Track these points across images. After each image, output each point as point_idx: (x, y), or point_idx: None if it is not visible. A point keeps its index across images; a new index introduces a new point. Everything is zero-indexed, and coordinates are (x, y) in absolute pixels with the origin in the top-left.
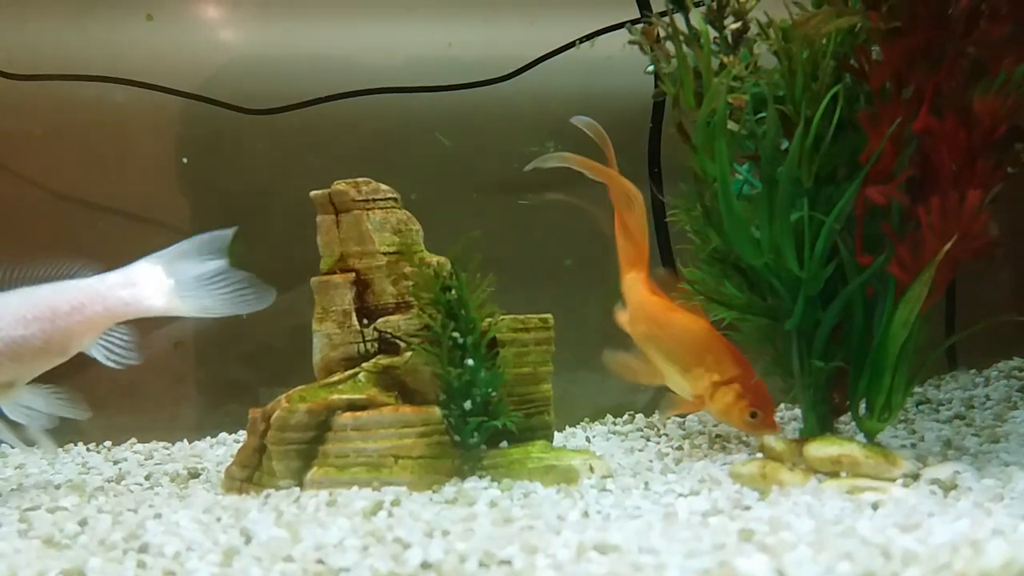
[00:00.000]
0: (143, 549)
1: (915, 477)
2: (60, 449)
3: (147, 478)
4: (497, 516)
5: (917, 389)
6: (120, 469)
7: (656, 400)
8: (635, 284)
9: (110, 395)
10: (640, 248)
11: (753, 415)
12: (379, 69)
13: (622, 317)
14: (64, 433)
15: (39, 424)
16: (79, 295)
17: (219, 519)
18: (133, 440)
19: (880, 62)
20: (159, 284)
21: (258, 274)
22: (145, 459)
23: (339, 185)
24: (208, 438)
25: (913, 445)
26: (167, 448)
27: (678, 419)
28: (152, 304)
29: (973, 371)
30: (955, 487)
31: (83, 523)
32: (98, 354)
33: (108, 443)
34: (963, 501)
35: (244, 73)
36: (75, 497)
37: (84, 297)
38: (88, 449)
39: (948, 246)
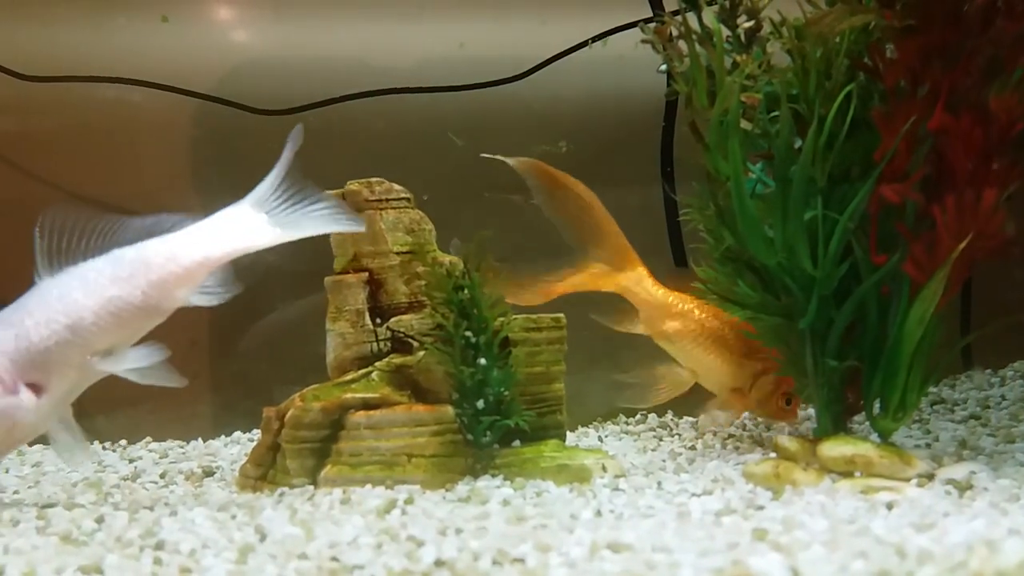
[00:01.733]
0: (159, 546)
1: (930, 477)
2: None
3: (162, 476)
4: (510, 514)
5: (932, 389)
6: (135, 467)
7: (670, 401)
8: (642, 281)
9: (125, 394)
10: (625, 245)
11: (788, 401)
12: (391, 69)
13: (626, 322)
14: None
15: (156, 379)
16: (171, 246)
17: (234, 517)
18: (148, 439)
19: (894, 60)
20: (250, 220)
21: (271, 274)
22: (160, 457)
23: (352, 185)
24: (222, 437)
25: (928, 445)
26: (182, 447)
27: (690, 419)
28: (248, 242)
29: (988, 371)
30: (971, 487)
31: (100, 520)
32: (199, 299)
33: (123, 442)
34: (979, 501)
35: (258, 74)
36: (92, 495)
37: (176, 247)
38: (104, 447)
39: (963, 245)
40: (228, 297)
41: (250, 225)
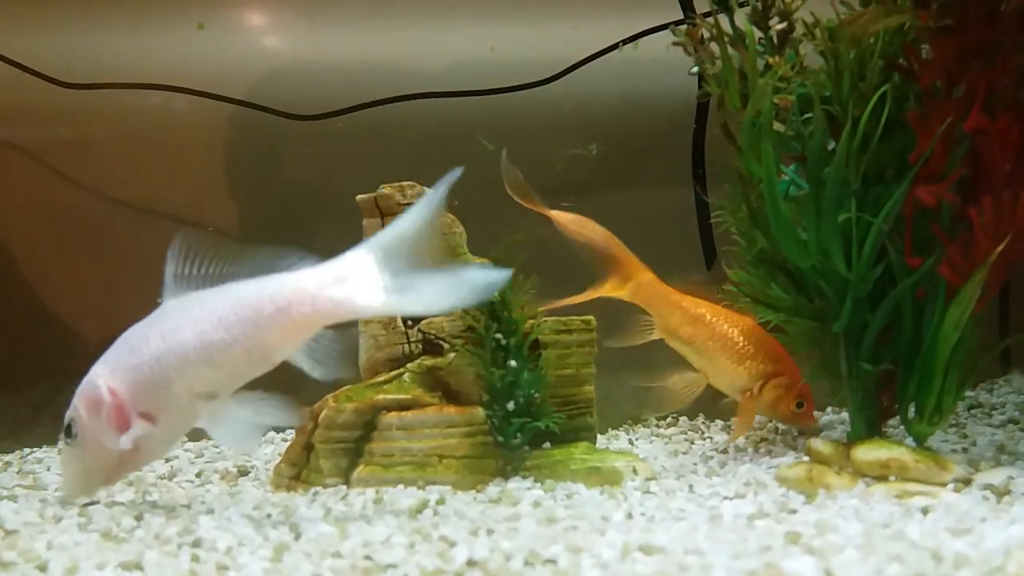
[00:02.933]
0: (197, 544)
1: (967, 482)
2: None
3: (198, 475)
4: (541, 516)
5: (969, 393)
6: (172, 466)
7: (700, 403)
8: (656, 288)
9: None
10: (629, 253)
11: (800, 405)
12: (423, 74)
13: (643, 333)
14: None
15: (248, 442)
16: (285, 293)
17: (269, 515)
18: (184, 438)
19: (930, 61)
20: (373, 279)
21: None
22: (196, 457)
23: (385, 189)
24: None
25: (964, 450)
26: (217, 446)
27: (722, 422)
28: (366, 304)
29: None
30: (1008, 492)
31: (139, 518)
32: (304, 363)
33: None
34: (1017, 506)
35: (292, 80)
36: (130, 493)
37: (291, 295)
38: None
39: (1002, 247)
40: (335, 375)
41: (372, 285)
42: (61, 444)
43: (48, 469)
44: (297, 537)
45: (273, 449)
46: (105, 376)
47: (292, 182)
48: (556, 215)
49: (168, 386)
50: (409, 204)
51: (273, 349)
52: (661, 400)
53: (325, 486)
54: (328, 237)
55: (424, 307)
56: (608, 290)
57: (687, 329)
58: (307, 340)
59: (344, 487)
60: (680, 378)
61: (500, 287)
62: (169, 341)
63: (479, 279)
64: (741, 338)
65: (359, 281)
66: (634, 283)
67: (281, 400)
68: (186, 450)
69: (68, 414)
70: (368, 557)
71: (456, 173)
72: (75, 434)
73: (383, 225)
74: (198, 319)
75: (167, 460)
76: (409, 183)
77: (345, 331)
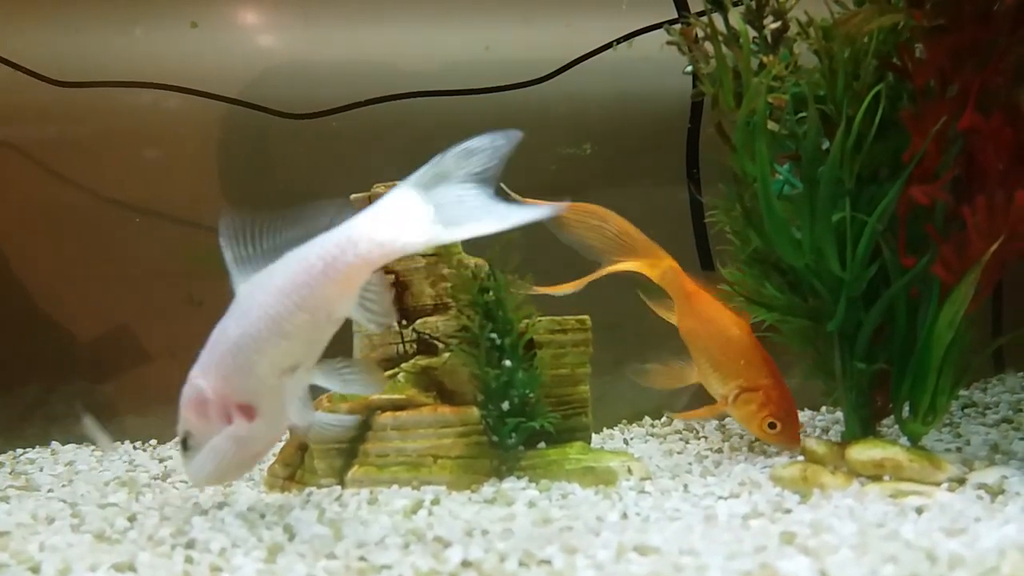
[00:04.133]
0: (190, 545)
1: (961, 482)
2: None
3: None
4: (536, 516)
5: (963, 392)
6: (166, 467)
7: (695, 401)
8: (676, 276)
9: (155, 393)
10: (648, 241)
11: (772, 425)
12: (417, 73)
13: (665, 311)
14: (111, 432)
15: (356, 387)
16: (330, 247)
17: (263, 516)
18: (178, 438)
19: (924, 60)
20: (412, 214)
21: None
22: None
23: (379, 188)
24: None
25: (959, 449)
26: None
27: (718, 421)
28: (409, 240)
29: (1021, 374)
30: (1002, 492)
31: (132, 519)
32: (359, 316)
33: (154, 441)
34: (1011, 506)
35: (285, 78)
36: (123, 494)
37: (335, 248)
38: (135, 447)
39: (995, 246)
40: (385, 322)
41: (415, 219)
42: (179, 459)
43: (41, 470)
44: (291, 538)
45: None
46: (200, 377)
47: (285, 181)
48: (571, 205)
49: (252, 369)
50: None
51: (333, 305)
52: (649, 374)
53: (319, 486)
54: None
55: (467, 232)
56: (639, 267)
57: (686, 322)
58: (359, 291)
59: (339, 488)
60: (675, 363)
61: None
62: (243, 325)
63: (521, 208)
64: (728, 344)
65: (399, 218)
66: (664, 266)
67: (363, 367)
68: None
69: (180, 428)
70: (363, 558)
71: (514, 136)
72: (192, 446)
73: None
74: (263, 294)
75: (161, 460)
76: None
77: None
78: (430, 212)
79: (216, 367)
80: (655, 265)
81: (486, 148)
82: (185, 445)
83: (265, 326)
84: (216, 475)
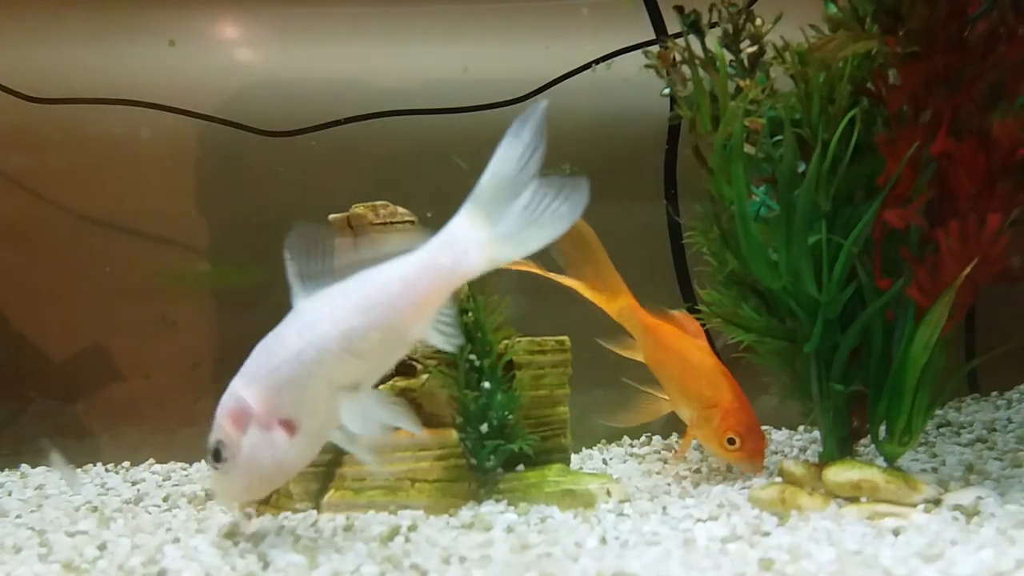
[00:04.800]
0: (162, 574)
1: (937, 502)
2: (79, 470)
3: (165, 499)
4: (514, 542)
5: (937, 412)
6: (138, 490)
7: (673, 424)
8: (632, 313)
9: (128, 414)
10: (615, 274)
11: (731, 441)
12: (396, 92)
13: (629, 348)
14: (83, 453)
15: (373, 433)
16: (408, 270)
17: (237, 543)
18: (151, 460)
19: (898, 86)
20: (476, 237)
21: (274, 296)
22: (163, 480)
23: (357, 208)
24: None
25: (934, 469)
26: (185, 469)
27: (695, 441)
28: (475, 263)
29: (995, 393)
30: (978, 513)
31: (102, 547)
32: (435, 339)
33: (126, 463)
34: (986, 528)
35: (262, 96)
36: (94, 520)
37: (412, 272)
38: (107, 469)
39: (968, 270)
40: (457, 344)
41: (478, 242)
42: (209, 470)
43: (10, 494)
44: (265, 567)
45: None
46: (244, 387)
47: (263, 199)
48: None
49: (309, 384)
50: (382, 223)
51: (407, 329)
52: (623, 415)
53: (295, 511)
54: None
55: (531, 245)
56: (596, 300)
57: (650, 354)
58: (434, 315)
59: (314, 512)
60: (645, 399)
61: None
62: (307, 336)
63: (566, 201)
64: (689, 369)
65: (463, 242)
66: (621, 303)
67: (406, 407)
68: (153, 472)
69: (213, 437)
70: None
71: (540, 107)
72: (226, 457)
73: (355, 245)
74: (335, 310)
75: (133, 483)
76: (382, 202)
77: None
78: (501, 230)
79: (266, 378)
80: (612, 301)
81: (524, 143)
82: (217, 456)
83: (334, 342)
84: (248, 490)
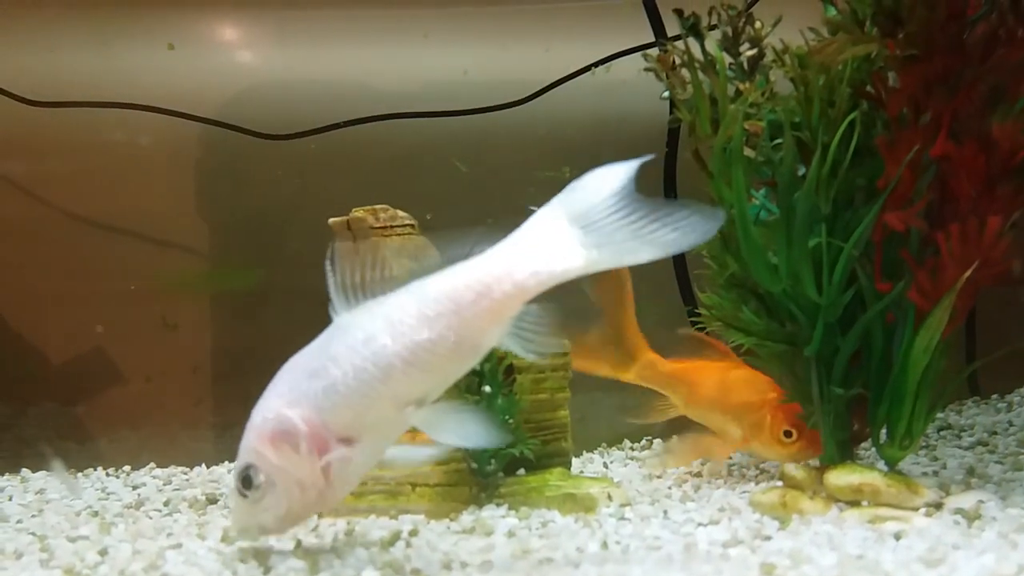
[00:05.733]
0: None
1: (938, 506)
2: (80, 474)
3: (166, 504)
4: (515, 547)
5: (938, 415)
6: (139, 495)
7: (673, 427)
8: (655, 367)
9: (129, 419)
10: (636, 332)
11: (788, 434)
12: (396, 95)
13: (662, 408)
14: (83, 457)
15: (457, 444)
16: (481, 276)
17: (238, 548)
18: (152, 465)
19: (897, 89)
20: (567, 238)
21: (275, 300)
22: (164, 484)
23: (357, 212)
24: (226, 463)
25: (935, 473)
26: (185, 473)
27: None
28: (567, 267)
29: (995, 396)
30: (979, 517)
31: (103, 552)
32: (514, 346)
33: (127, 467)
34: (987, 532)
35: (262, 99)
36: (95, 525)
37: (488, 277)
38: (107, 474)
39: (969, 272)
40: (548, 350)
41: (566, 243)
42: (235, 497)
43: (10, 499)
44: (266, 572)
45: None
46: (288, 407)
47: (262, 202)
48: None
49: (372, 401)
50: (382, 227)
51: (481, 337)
52: (671, 455)
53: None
54: (299, 260)
55: (628, 257)
56: (612, 373)
57: (684, 399)
58: (512, 320)
59: (315, 517)
60: (691, 436)
61: (712, 232)
62: (363, 352)
63: (689, 222)
64: (726, 390)
65: (553, 244)
66: (640, 365)
67: (486, 413)
68: (154, 477)
69: (244, 462)
70: None
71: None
72: (259, 484)
73: (356, 249)
74: (394, 323)
75: (134, 488)
76: (382, 206)
77: (546, 303)
78: (579, 235)
79: (319, 398)
80: (631, 363)
81: (621, 167)
82: (247, 483)
83: (398, 354)
84: (285, 518)
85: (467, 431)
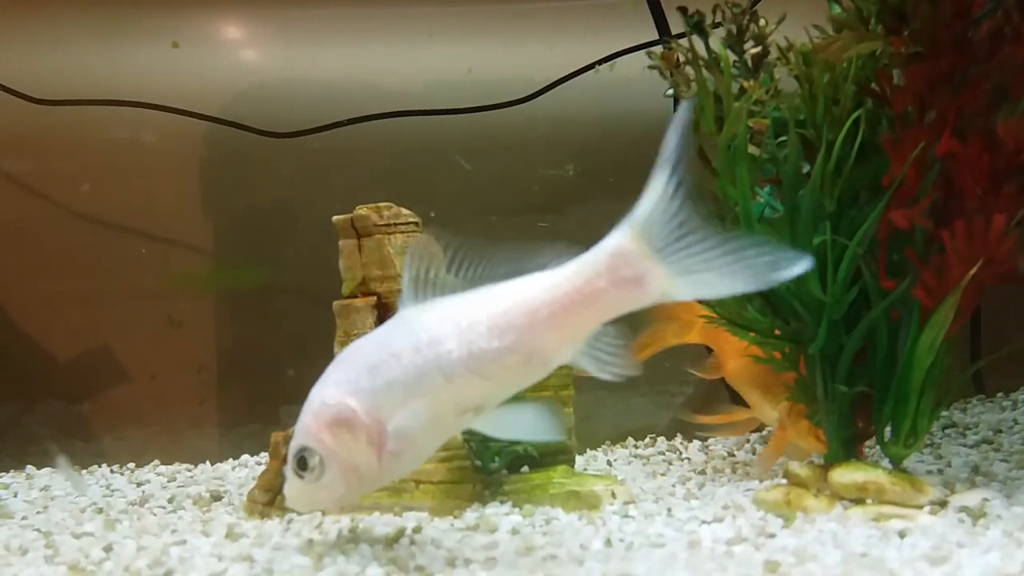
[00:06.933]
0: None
1: (942, 504)
2: (85, 471)
3: (170, 501)
4: (519, 544)
5: (943, 413)
6: (143, 492)
7: (677, 426)
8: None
9: (133, 416)
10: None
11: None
12: (400, 93)
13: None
14: (88, 454)
15: (522, 435)
16: (558, 293)
17: (242, 545)
18: (156, 462)
19: (902, 86)
20: (645, 262)
21: (280, 298)
22: (168, 481)
23: (361, 210)
24: (230, 460)
25: (940, 471)
26: (190, 470)
27: (699, 442)
28: (644, 291)
29: (1000, 394)
30: (984, 515)
31: (108, 549)
32: (588, 365)
33: (131, 465)
34: (992, 530)
35: (267, 97)
36: (100, 521)
37: (564, 296)
38: (112, 471)
39: (974, 271)
40: (624, 372)
41: (645, 270)
42: (290, 476)
43: (15, 495)
44: (270, 569)
45: (247, 473)
46: (349, 397)
47: (267, 200)
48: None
49: (431, 404)
50: (386, 225)
51: (551, 353)
52: (719, 429)
53: (300, 513)
54: (303, 257)
55: (704, 291)
56: (677, 338)
57: (728, 363)
58: (588, 339)
59: (319, 513)
60: (732, 410)
61: (799, 272)
62: (428, 355)
63: (771, 259)
64: (768, 368)
65: (631, 268)
66: (698, 321)
67: (549, 411)
68: (158, 474)
69: (300, 444)
70: None
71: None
72: (314, 465)
73: (359, 246)
74: (463, 329)
75: (139, 485)
76: (385, 204)
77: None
78: (661, 262)
79: (380, 394)
80: (691, 329)
81: (676, 159)
82: (302, 464)
83: (463, 360)
84: (335, 500)
85: (526, 426)
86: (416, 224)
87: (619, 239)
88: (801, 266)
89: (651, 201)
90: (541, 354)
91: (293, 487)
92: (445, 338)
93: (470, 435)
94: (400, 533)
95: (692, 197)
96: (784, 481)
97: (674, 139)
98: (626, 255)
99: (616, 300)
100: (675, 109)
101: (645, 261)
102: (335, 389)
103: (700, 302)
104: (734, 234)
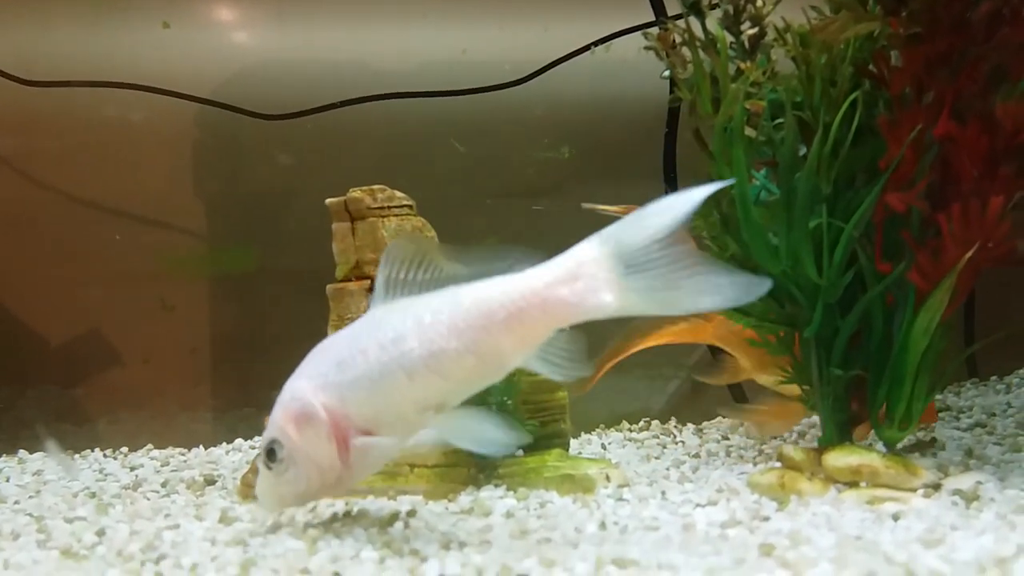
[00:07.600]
0: (160, 560)
1: (936, 487)
2: (77, 456)
3: (163, 485)
4: (514, 527)
5: (937, 396)
6: (137, 476)
7: (673, 407)
8: (726, 325)
9: (127, 400)
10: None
11: None
12: (394, 74)
13: (732, 370)
14: (81, 439)
15: (470, 445)
16: (515, 297)
17: (236, 529)
18: (150, 446)
19: (900, 68)
20: (606, 276)
21: (274, 280)
22: (161, 465)
23: (354, 193)
24: (224, 444)
25: (934, 454)
26: (183, 454)
27: (693, 425)
28: (599, 304)
29: (994, 378)
30: (977, 498)
31: (101, 533)
32: (540, 367)
33: (125, 449)
34: (986, 513)
35: (259, 79)
36: (92, 506)
37: (521, 299)
38: (105, 455)
39: (970, 254)
40: (576, 375)
41: (604, 280)
42: (261, 468)
43: (7, 480)
44: (264, 552)
45: (240, 457)
46: (314, 392)
47: (259, 183)
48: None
49: (394, 400)
50: (379, 207)
51: (507, 356)
52: (762, 427)
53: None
54: (296, 240)
55: (663, 308)
56: (690, 337)
57: (754, 356)
58: (541, 344)
59: None
60: (775, 402)
61: (755, 296)
62: (392, 352)
63: (729, 285)
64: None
65: (591, 279)
66: (714, 324)
67: (506, 418)
68: (152, 458)
69: (270, 436)
70: (337, 573)
71: (718, 185)
72: (281, 458)
73: (353, 229)
74: (424, 328)
75: (132, 469)
76: (379, 186)
77: (574, 330)
78: (621, 275)
79: (344, 389)
80: (704, 330)
81: (676, 207)
82: (271, 456)
83: (424, 359)
84: (300, 496)
85: (484, 437)
86: (410, 207)
87: (586, 249)
88: (760, 290)
89: (632, 217)
90: (496, 357)
91: (262, 478)
92: (408, 336)
93: None
94: (395, 516)
95: (682, 221)
96: (778, 464)
97: (693, 194)
98: (589, 265)
99: (573, 309)
100: (671, 91)
101: (608, 273)
102: (301, 382)
103: None
104: (704, 258)
